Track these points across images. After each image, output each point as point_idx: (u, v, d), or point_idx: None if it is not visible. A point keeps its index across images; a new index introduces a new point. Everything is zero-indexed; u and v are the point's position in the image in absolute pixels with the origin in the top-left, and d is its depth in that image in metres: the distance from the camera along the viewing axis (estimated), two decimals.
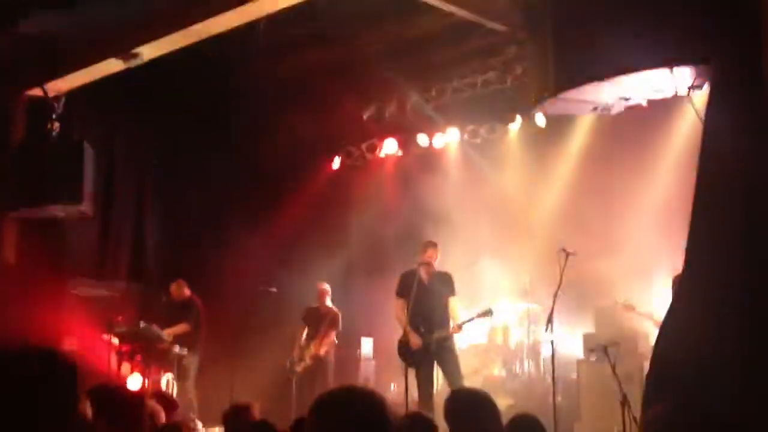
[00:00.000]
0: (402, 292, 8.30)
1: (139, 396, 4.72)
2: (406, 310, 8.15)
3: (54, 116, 9.25)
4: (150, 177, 12.10)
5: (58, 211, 9.35)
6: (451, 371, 7.96)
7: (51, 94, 9.28)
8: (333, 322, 9.96)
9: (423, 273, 8.22)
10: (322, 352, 9.80)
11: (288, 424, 4.90)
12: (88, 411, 3.89)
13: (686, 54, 4.98)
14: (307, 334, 10.05)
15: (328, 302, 10.14)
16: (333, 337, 9.93)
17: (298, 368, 9.84)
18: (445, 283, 8.27)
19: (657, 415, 3.50)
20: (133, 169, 11.89)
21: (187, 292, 10.19)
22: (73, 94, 9.45)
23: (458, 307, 8.23)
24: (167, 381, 9.82)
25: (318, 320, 10.05)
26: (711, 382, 4.17)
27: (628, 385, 6.89)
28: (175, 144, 11.95)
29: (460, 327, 8.10)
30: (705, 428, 3.39)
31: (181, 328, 9.90)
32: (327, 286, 10.22)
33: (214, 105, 11.50)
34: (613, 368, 6.94)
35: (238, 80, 11.12)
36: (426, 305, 8.15)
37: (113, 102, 11.14)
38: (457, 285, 8.46)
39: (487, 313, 8.12)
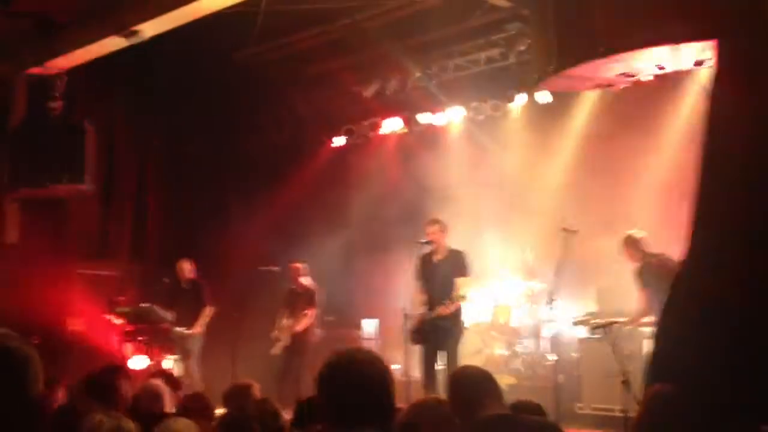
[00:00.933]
0: (415, 274, 8.25)
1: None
2: (418, 293, 8.14)
3: (55, 95, 9.22)
4: (151, 156, 12.07)
5: (60, 190, 9.35)
6: (446, 353, 7.86)
7: (51, 73, 9.23)
8: (309, 300, 9.92)
9: (433, 252, 8.18)
10: (298, 328, 9.77)
11: (289, 403, 4.91)
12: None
13: (692, 31, 4.91)
14: (287, 315, 10.02)
15: (303, 280, 10.07)
16: (310, 313, 9.87)
17: (275, 349, 9.83)
18: (454, 262, 8.12)
19: (657, 394, 3.49)
20: (134, 148, 11.86)
21: (191, 272, 10.19)
22: (74, 74, 9.40)
23: (462, 288, 8.08)
24: (171, 362, 9.84)
25: (295, 300, 10.01)
26: (712, 362, 4.15)
27: (629, 364, 6.88)
28: (176, 123, 11.90)
29: (446, 308, 7.82)
30: (705, 408, 3.38)
31: (207, 311, 9.94)
32: (299, 265, 10.12)
33: (215, 84, 11.44)
34: (615, 347, 6.93)
35: (239, 58, 11.05)
36: (431, 284, 8.11)
37: (114, 81, 11.11)
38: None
39: (461, 298, 7.97)
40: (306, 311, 9.84)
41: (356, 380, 2.47)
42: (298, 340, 9.75)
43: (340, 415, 2.45)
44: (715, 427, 3.27)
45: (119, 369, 4.45)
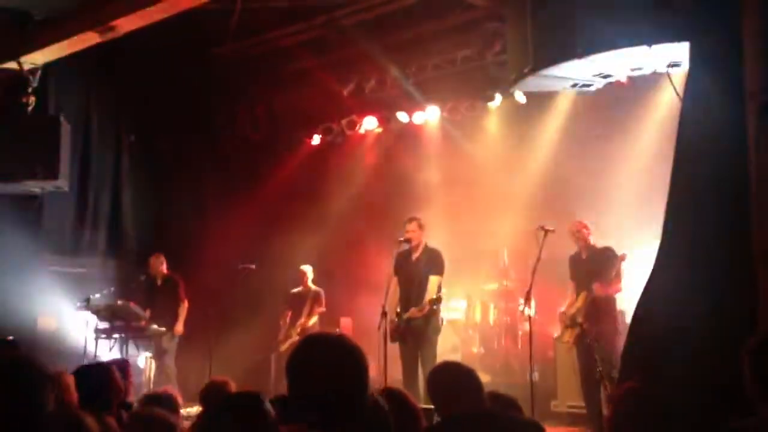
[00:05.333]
0: (393, 270, 8.28)
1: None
2: (394, 288, 8.15)
3: (29, 90, 9.12)
4: (127, 152, 11.98)
5: (34, 186, 9.26)
6: (422, 354, 7.88)
7: (26, 68, 9.13)
8: (316, 300, 9.98)
9: (411, 249, 8.21)
10: (309, 324, 9.81)
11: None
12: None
13: (665, 33, 4.97)
14: (292, 316, 10.05)
15: (310, 283, 10.14)
16: (318, 311, 9.95)
17: (283, 347, 9.84)
18: (430, 260, 8.15)
19: (627, 391, 3.53)
20: (110, 143, 11.76)
21: (165, 267, 10.14)
22: (49, 67, 9.31)
23: (435, 287, 8.11)
24: (145, 359, 9.78)
25: (302, 301, 10.05)
26: (685, 356, 4.20)
27: (604, 362, 6.94)
28: (152, 119, 11.83)
29: (418, 311, 7.90)
30: (673, 403, 3.42)
31: (183, 309, 9.91)
32: (306, 268, 10.18)
33: (192, 80, 11.38)
34: (590, 346, 6.98)
35: (216, 55, 11.00)
36: (406, 283, 8.15)
37: (90, 76, 11.02)
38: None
39: (436, 300, 8.00)
40: (314, 310, 9.94)
41: (325, 367, 2.35)
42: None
43: (305, 403, 2.33)
44: (686, 422, 3.32)
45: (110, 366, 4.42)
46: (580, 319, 7.74)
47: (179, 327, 9.82)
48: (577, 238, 8.03)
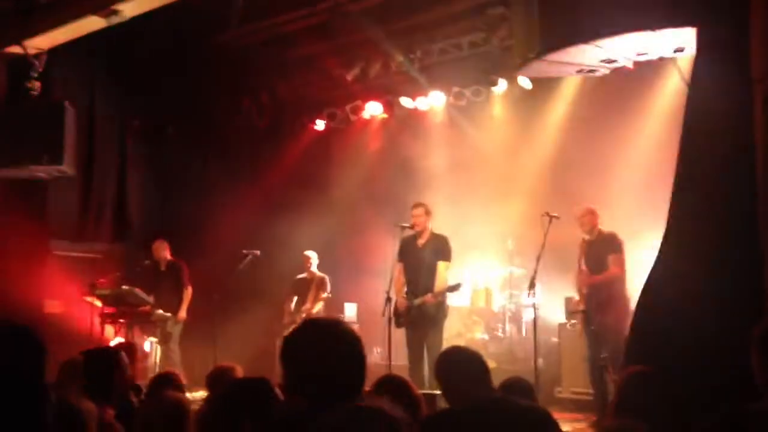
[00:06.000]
0: (398, 255, 8.28)
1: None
2: (400, 274, 8.16)
3: (34, 75, 9.12)
4: (132, 138, 11.98)
5: (39, 171, 9.26)
6: (429, 341, 7.89)
7: (31, 52, 9.12)
8: (321, 285, 9.99)
9: (416, 236, 8.21)
10: (314, 310, 9.82)
11: None
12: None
13: (672, 18, 4.95)
14: (297, 302, 10.07)
15: (314, 269, 10.14)
16: (323, 297, 9.96)
17: (287, 332, 9.84)
18: (437, 247, 8.14)
19: (635, 375, 3.53)
20: (114, 128, 11.77)
21: (168, 253, 10.15)
22: (54, 53, 9.30)
23: (445, 273, 8.10)
24: (151, 344, 9.82)
25: (306, 287, 10.06)
26: (690, 343, 4.20)
27: (611, 349, 6.94)
28: (157, 104, 11.82)
29: (433, 297, 7.90)
30: (681, 386, 3.43)
31: (186, 295, 9.92)
32: (310, 253, 10.18)
33: (197, 66, 11.36)
34: (595, 332, 6.99)
35: (220, 41, 10.97)
36: (414, 269, 8.14)
37: (95, 62, 11.01)
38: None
39: (456, 287, 8.01)
40: (319, 295, 9.94)
41: (320, 351, 2.39)
42: None
43: (300, 387, 2.38)
44: (690, 407, 3.32)
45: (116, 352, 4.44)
46: (582, 307, 7.74)
47: (182, 313, 9.85)
48: (583, 224, 7.99)
